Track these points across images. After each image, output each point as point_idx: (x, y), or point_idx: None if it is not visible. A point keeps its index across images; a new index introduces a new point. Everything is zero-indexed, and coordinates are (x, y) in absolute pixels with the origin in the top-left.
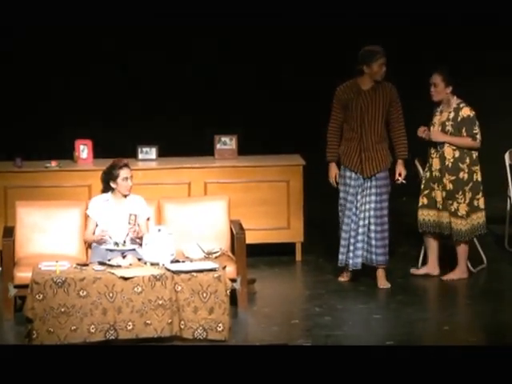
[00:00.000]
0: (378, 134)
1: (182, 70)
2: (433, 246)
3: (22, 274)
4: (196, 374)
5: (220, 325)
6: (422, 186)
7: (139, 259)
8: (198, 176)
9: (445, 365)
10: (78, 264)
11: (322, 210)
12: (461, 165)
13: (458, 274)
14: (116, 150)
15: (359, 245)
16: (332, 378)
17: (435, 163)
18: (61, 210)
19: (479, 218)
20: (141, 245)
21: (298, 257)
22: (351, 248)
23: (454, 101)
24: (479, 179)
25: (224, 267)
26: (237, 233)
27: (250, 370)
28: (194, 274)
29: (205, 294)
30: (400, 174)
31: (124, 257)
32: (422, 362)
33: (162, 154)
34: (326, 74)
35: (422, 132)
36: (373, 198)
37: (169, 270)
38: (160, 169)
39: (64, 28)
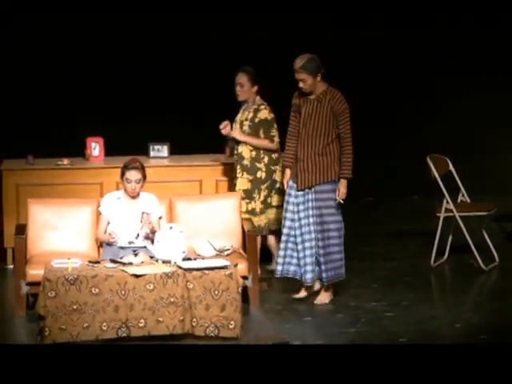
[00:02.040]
0: (318, 145)
1: (195, 67)
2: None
3: (34, 272)
4: (207, 373)
5: (232, 322)
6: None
7: (151, 257)
8: (209, 174)
9: (457, 363)
10: (90, 261)
11: None
12: (258, 164)
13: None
14: (128, 147)
15: (308, 260)
16: (345, 376)
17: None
18: (73, 207)
19: (273, 213)
20: (153, 242)
21: None
22: (301, 263)
23: (257, 101)
24: (277, 179)
25: (235, 265)
26: (248, 230)
27: (261, 369)
28: (206, 271)
29: (216, 292)
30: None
31: (136, 254)
32: (435, 360)
33: (173, 151)
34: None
35: (223, 127)
36: (311, 212)
37: (180, 267)
38: (171, 166)
39: (74, 25)
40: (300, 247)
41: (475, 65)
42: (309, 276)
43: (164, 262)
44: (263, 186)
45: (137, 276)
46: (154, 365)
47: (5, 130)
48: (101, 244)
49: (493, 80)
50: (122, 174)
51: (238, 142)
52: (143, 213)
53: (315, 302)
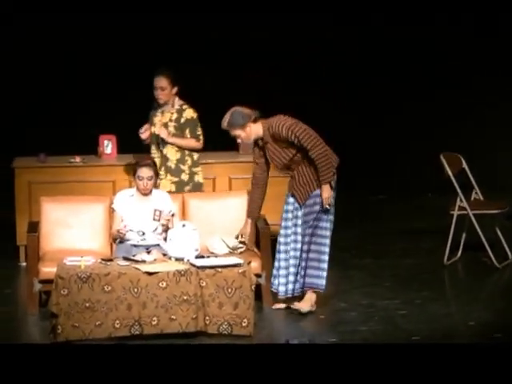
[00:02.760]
0: (293, 169)
1: (206, 64)
2: None
3: (47, 269)
4: (220, 373)
5: (245, 320)
6: None
7: (164, 254)
8: (222, 171)
9: (471, 362)
10: (103, 259)
11: (350, 204)
12: (182, 166)
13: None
14: (141, 145)
15: (282, 272)
16: (358, 374)
17: (158, 164)
18: (85, 205)
19: None
20: (165, 239)
21: None
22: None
23: (177, 102)
24: (200, 181)
25: (249, 262)
26: (261, 228)
27: (274, 368)
28: (219, 269)
29: (230, 290)
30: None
31: (149, 252)
32: (448, 359)
33: None
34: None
35: (144, 130)
36: (299, 228)
37: (193, 265)
38: None
39: (82, 21)
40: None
41: (490, 64)
42: (281, 288)
43: (177, 259)
44: (186, 188)
45: (150, 274)
46: (166, 364)
47: (17, 127)
48: (114, 241)
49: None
50: (135, 172)
51: (163, 144)
52: (156, 210)
53: (291, 305)
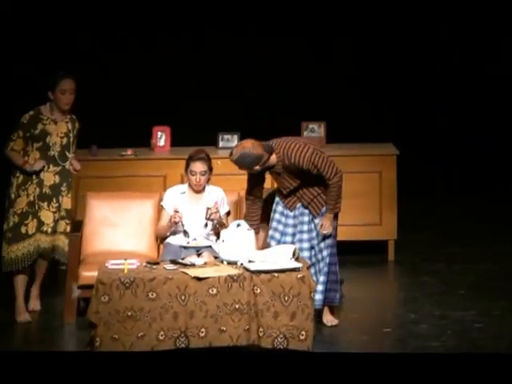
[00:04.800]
0: (303, 190)
1: (267, 54)
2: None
3: (88, 274)
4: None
5: (303, 332)
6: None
7: (216, 257)
8: None
9: None
10: (149, 262)
11: (416, 204)
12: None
13: None
14: (196, 137)
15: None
16: None
17: (48, 179)
18: (133, 201)
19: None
20: (219, 240)
21: (391, 256)
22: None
23: (68, 110)
24: None
25: (308, 267)
26: None
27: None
28: (275, 274)
29: (286, 297)
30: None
31: (199, 255)
32: None
33: None
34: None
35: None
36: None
37: (247, 269)
38: None
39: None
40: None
41: None
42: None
43: (229, 263)
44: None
45: (199, 279)
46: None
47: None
48: (161, 241)
49: None
50: (187, 166)
51: (65, 159)
52: (208, 208)
53: (325, 322)
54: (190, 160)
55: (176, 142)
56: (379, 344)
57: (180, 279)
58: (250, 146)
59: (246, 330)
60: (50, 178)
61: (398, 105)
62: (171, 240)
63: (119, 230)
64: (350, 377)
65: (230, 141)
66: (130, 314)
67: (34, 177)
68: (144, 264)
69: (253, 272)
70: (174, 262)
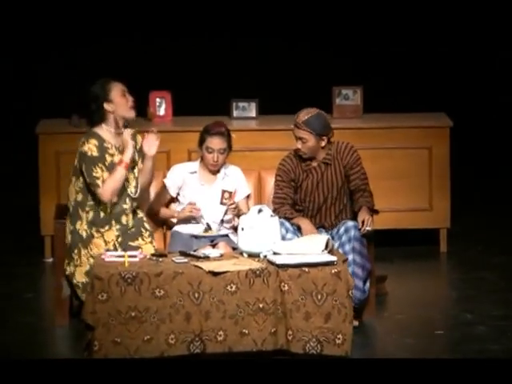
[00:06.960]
0: (330, 217)
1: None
2: None
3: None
4: None
5: (339, 336)
6: None
7: (234, 248)
8: None
9: None
10: (154, 254)
11: (473, 186)
12: None
13: None
14: (203, 105)
15: None
16: None
17: None
18: None
19: None
20: (236, 230)
21: (443, 247)
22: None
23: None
24: None
25: (345, 260)
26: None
27: None
28: (306, 268)
29: (319, 296)
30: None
31: (214, 245)
32: None
33: (262, 110)
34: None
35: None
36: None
37: (272, 263)
38: (261, 130)
39: None
40: None
41: None
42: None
43: (250, 255)
44: None
45: (215, 274)
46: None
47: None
48: (167, 228)
49: None
50: (202, 141)
51: None
52: (224, 191)
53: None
54: (206, 134)
55: (178, 110)
56: (429, 348)
57: (192, 274)
58: (326, 115)
59: (272, 334)
60: None
61: (453, 67)
62: (180, 228)
63: None
64: None
65: (246, 110)
66: (133, 314)
67: None
68: (148, 256)
69: (279, 266)
70: (184, 253)
